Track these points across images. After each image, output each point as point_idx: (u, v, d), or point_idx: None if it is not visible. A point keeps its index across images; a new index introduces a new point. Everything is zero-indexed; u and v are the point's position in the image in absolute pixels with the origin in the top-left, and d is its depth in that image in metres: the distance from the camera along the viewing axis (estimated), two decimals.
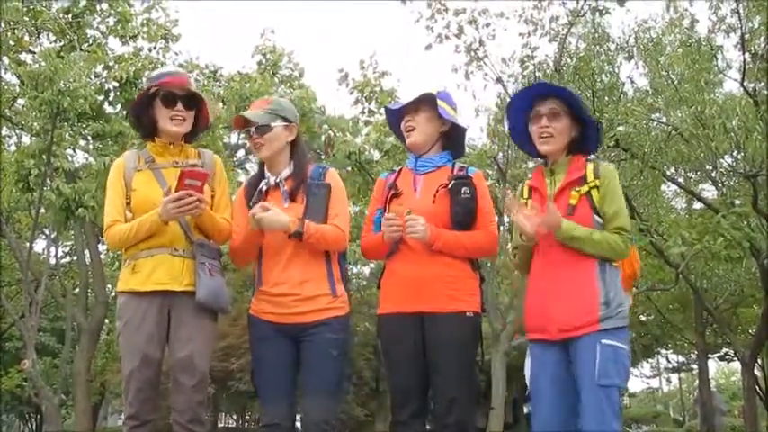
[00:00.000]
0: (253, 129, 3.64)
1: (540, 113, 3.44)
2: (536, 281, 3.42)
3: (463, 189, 3.57)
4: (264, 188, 3.64)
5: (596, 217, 3.32)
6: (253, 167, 17.52)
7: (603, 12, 11.79)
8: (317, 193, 3.58)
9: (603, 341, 3.15)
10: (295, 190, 3.60)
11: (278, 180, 3.64)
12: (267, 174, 3.69)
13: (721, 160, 13.41)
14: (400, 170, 3.85)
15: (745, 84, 12.03)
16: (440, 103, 3.70)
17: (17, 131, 14.45)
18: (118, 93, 11.41)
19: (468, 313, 3.53)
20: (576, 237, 3.24)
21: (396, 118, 3.87)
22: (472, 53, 12.58)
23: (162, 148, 3.68)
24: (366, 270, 22.39)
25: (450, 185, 3.58)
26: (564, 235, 3.24)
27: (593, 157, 3.51)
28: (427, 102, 3.72)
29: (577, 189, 3.34)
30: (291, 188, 3.60)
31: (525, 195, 3.55)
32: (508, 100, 12.85)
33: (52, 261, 17.60)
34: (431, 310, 3.50)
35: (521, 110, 3.56)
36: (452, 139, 3.82)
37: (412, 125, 3.72)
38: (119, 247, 3.61)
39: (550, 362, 3.31)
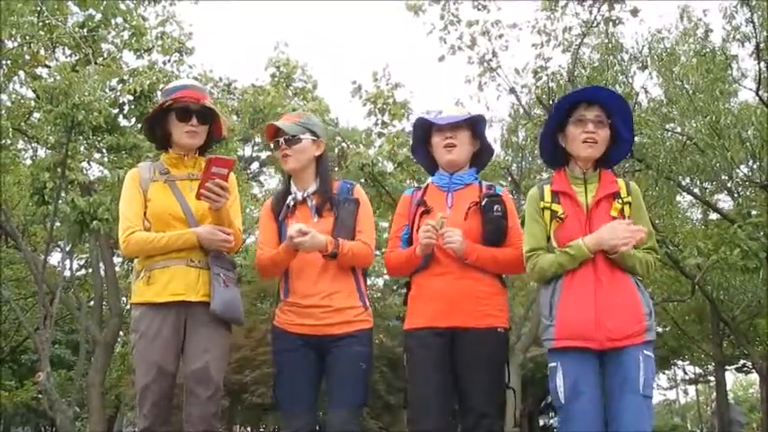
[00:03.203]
0: (282, 139, 3.66)
1: (585, 118, 3.44)
2: (580, 290, 3.33)
3: (495, 207, 3.60)
4: (292, 203, 3.66)
5: None
6: (267, 180, 17.58)
7: (617, 22, 11.75)
8: (346, 209, 3.61)
9: (646, 352, 3.23)
10: (322, 205, 3.63)
11: (305, 195, 3.66)
12: (294, 189, 3.71)
13: (737, 170, 13.34)
14: (426, 186, 3.85)
15: (760, 93, 11.97)
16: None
17: (32, 145, 14.54)
18: (132, 106, 11.46)
19: (499, 329, 3.55)
20: (630, 252, 3.28)
21: (423, 130, 3.87)
22: (485, 64, 12.57)
23: (176, 160, 3.69)
24: (380, 282, 22.39)
25: (483, 203, 3.60)
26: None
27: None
28: (469, 121, 3.77)
29: (620, 201, 3.40)
30: (319, 203, 3.63)
31: (548, 199, 3.50)
32: (522, 111, 12.86)
33: (67, 274, 17.65)
34: (463, 326, 3.50)
35: (557, 114, 3.56)
36: (478, 158, 3.87)
37: (454, 142, 3.72)
38: (137, 254, 3.59)
39: (592, 372, 3.30)
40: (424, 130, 3.85)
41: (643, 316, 3.27)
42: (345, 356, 3.49)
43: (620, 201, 3.39)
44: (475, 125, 3.80)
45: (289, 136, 3.65)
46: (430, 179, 3.90)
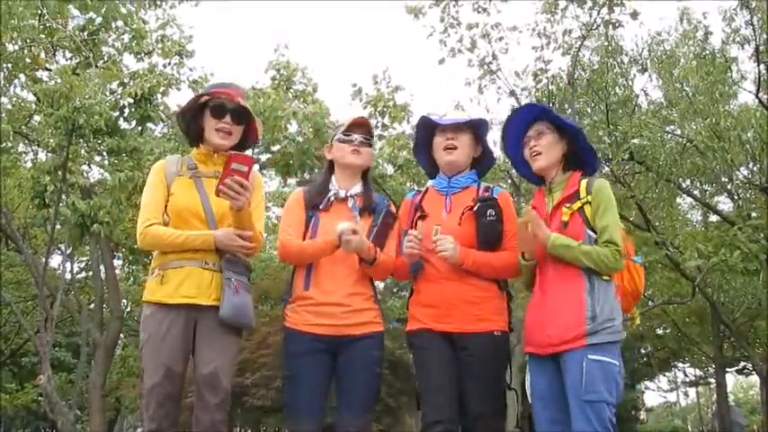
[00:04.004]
0: (359, 136, 3.75)
1: (528, 137, 3.57)
2: (533, 297, 3.49)
3: (489, 211, 3.60)
4: (333, 198, 3.70)
5: (590, 232, 3.37)
6: (267, 182, 17.54)
7: (616, 25, 11.76)
8: (385, 221, 3.67)
9: (590, 356, 3.19)
10: (364, 209, 3.70)
11: (348, 194, 3.71)
12: (334, 185, 3.75)
13: (737, 172, 13.37)
14: (425, 190, 3.86)
15: (760, 95, 11.99)
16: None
17: (33, 148, 14.57)
18: (133, 109, 11.47)
19: (495, 332, 3.56)
20: (565, 244, 3.30)
21: (425, 132, 3.90)
22: (485, 67, 12.57)
23: (206, 157, 3.67)
24: (380, 285, 22.39)
25: (475, 208, 3.61)
26: (554, 242, 3.32)
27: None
28: (471, 124, 3.80)
29: (568, 206, 3.41)
30: (363, 206, 3.71)
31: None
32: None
33: (67, 276, 17.66)
34: (458, 330, 3.53)
35: (516, 144, 3.67)
36: (479, 162, 3.89)
37: (455, 144, 3.75)
38: (153, 247, 3.57)
39: (544, 376, 3.38)
40: (427, 132, 3.88)
41: (583, 320, 3.23)
42: (362, 360, 3.52)
43: (578, 202, 3.39)
44: (477, 129, 3.82)
45: (368, 137, 3.78)
46: (430, 182, 3.91)
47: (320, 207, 3.68)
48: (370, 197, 3.75)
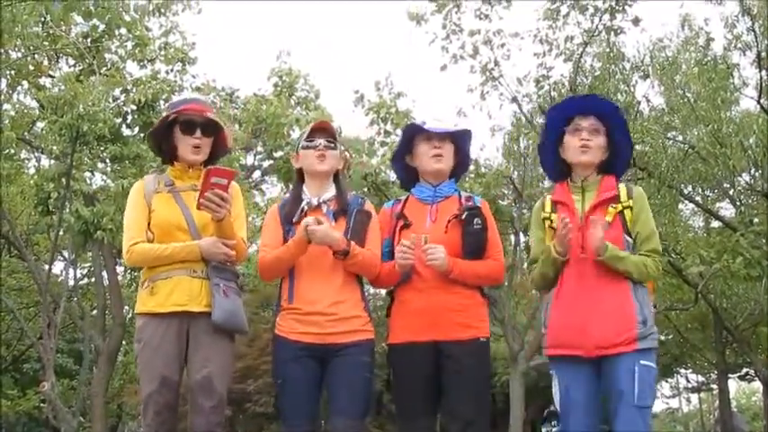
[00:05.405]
0: (324, 141, 3.72)
1: (580, 126, 3.49)
2: (568, 297, 3.39)
3: (475, 220, 3.63)
4: (306, 208, 3.68)
5: (627, 237, 3.35)
6: (269, 189, 17.57)
7: (618, 31, 11.78)
8: (359, 220, 3.65)
9: (642, 362, 3.18)
10: (339, 212, 3.68)
11: (321, 200, 3.70)
12: (307, 195, 3.74)
13: (739, 178, 13.39)
14: (406, 199, 3.87)
15: (762, 101, 11.99)
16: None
17: (36, 155, 14.60)
18: (136, 116, 11.51)
19: (481, 339, 3.60)
20: (619, 256, 3.26)
21: (408, 139, 3.90)
22: (487, 73, 12.60)
23: (181, 172, 3.73)
24: (383, 291, 22.36)
25: (463, 216, 3.63)
26: (610, 254, 3.26)
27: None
28: (454, 134, 3.82)
29: (614, 206, 3.38)
30: (336, 209, 3.69)
31: (548, 209, 3.57)
32: (524, 119, 12.87)
33: (70, 283, 17.64)
34: (445, 339, 3.54)
35: (554, 126, 3.61)
36: (453, 170, 3.90)
37: (441, 152, 3.76)
38: (141, 264, 3.65)
39: (581, 381, 3.31)
40: (407, 140, 3.89)
41: (634, 323, 3.21)
42: (351, 366, 3.52)
43: (620, 205, 3.38)
44: (458, 139, 3.85)
45: (332, 140, 3.75)
46: (412, 191, 3.91)
47: (294, 220, 3.67)
48: (344, 199, 3.73)
